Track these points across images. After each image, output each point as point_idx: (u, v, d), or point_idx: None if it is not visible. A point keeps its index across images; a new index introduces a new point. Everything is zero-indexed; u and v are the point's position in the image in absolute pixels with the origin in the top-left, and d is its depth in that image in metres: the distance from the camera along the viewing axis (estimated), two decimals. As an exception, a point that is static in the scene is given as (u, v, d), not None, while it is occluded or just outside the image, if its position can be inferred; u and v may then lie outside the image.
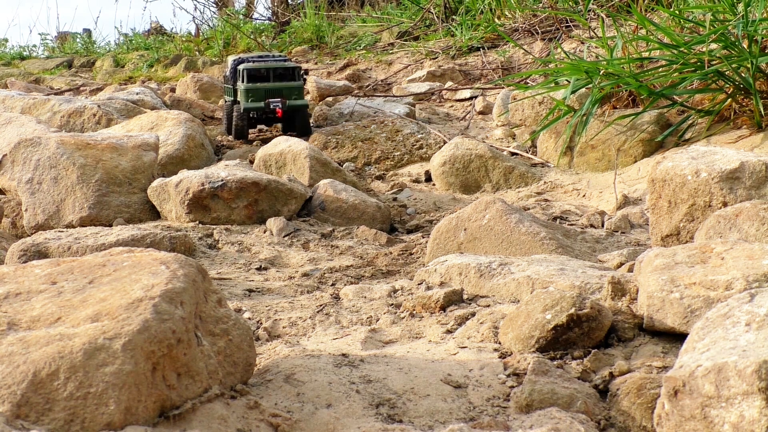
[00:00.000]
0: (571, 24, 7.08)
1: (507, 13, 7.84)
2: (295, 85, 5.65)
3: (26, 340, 1.83)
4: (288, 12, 10.55)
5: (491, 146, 5.16)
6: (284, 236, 3.90)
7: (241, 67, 5.71)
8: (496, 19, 7.87)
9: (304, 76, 6.02)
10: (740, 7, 4.50)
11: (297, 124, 5.76)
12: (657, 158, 3.34)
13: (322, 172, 4.56)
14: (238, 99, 5.76)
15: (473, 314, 2.63)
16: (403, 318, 2.73)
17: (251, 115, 5.70)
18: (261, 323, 2.81)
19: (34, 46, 12.33)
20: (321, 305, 2.95)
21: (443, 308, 2.72)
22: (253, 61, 5.71)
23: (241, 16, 11.17)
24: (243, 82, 5.65)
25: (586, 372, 2.18)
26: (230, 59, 6.16)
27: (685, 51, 4.57)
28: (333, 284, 3.29)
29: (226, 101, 6.28)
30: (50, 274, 2.11)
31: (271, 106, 5.57)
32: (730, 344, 1.77)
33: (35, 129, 5.07)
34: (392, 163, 5.44)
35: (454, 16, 8.39)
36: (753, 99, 4.38)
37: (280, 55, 6.20)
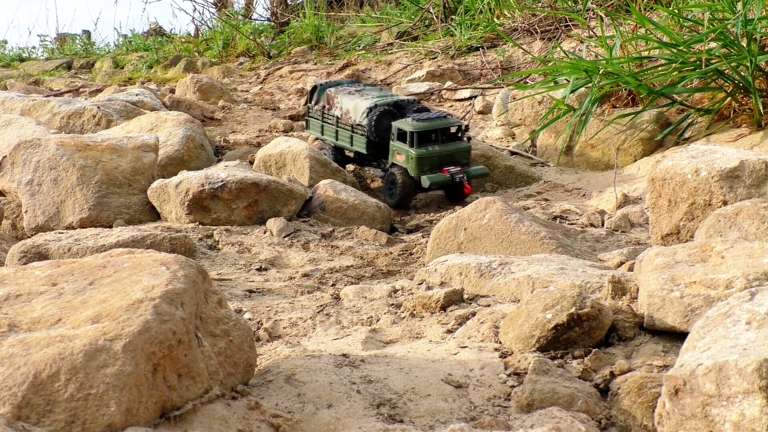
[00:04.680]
0: (570, 23, 7.08)
1: (506, 12, 7.84)
2: (464, 147, 4.72)
3: (27, 342, 1.83)
4: (287, 12, 10.54)
5: (491, 146, 5.16)
6: (284, 237, 3.90)
7: (407, 128, 4.65)
8: (495, 19, 7.87)
9: (468, 135, 4.91)
10: (739, 5, 4.50)
11: (459, 192, 4.77)
12: (657, 157, 3.34)
13: (322, 173, 4.55)
14: (398, 162, 4.73)
15: (474, 314, 2.63)
16: (403, 318, 2.73)
17: (430, 188, 4.65)
18: (261, 324, 2.81)
19: (34, 47, 12.33)
20: (321, 306, 2.95)
21: (444, 308, 2.72)
22: (418, 120, 4.66)
23: (240, 17, 11.16)
24: (413, 146, 4.62)
25: (587, 371, 2.18)
26: (339, 94, 5.05)
27: (684, 50, 4.57)
28: (333, 284, 3.29)
29: (320, 139, 5.24)
30: (50, 275, 2.11)
31: (457, 179, 4.58)
32: (730, 343, 1.78)
33: (35, 130, 5.07)
34: (392, 163, 5.44)
35: (453, 16, 8.38)
36: (752, 97, 4.38)
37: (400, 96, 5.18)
